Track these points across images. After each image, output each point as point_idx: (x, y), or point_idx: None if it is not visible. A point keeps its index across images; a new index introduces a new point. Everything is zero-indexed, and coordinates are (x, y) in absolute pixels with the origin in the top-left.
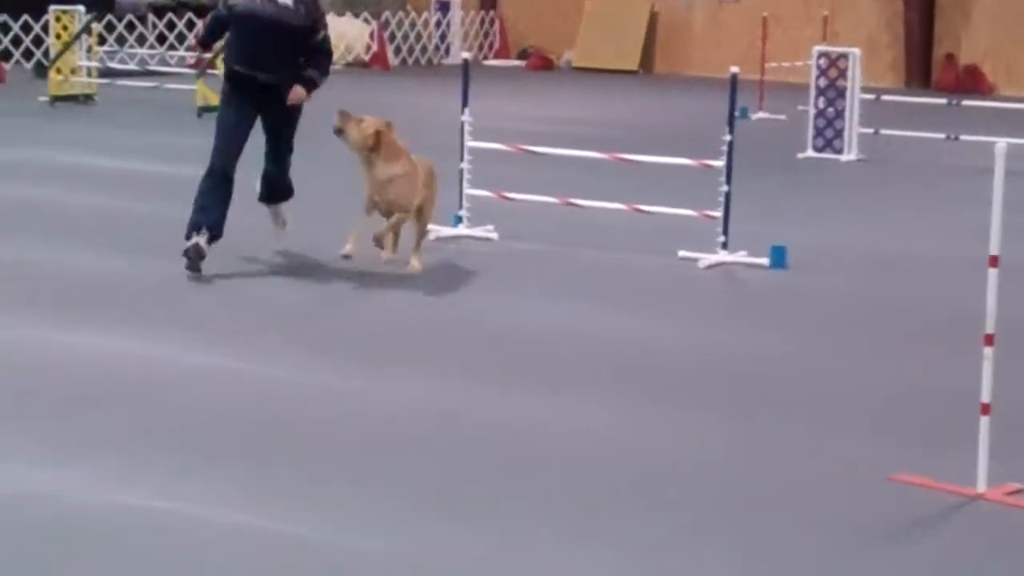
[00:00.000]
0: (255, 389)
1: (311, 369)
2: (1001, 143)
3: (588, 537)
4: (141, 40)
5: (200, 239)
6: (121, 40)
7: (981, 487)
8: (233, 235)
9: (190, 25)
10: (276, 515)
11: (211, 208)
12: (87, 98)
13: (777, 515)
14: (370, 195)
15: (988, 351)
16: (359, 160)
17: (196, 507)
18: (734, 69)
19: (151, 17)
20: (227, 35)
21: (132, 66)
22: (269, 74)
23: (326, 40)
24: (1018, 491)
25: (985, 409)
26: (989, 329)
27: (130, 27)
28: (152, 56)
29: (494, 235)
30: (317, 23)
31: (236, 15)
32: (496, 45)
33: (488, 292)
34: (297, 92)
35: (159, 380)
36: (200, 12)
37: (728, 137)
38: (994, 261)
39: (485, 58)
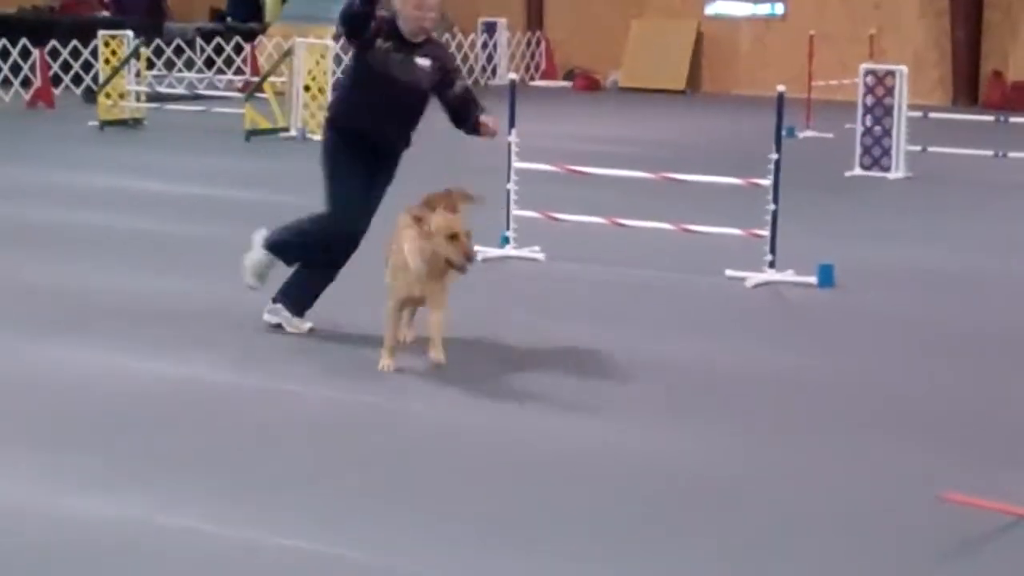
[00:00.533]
0: (299, 412)
1: (355, 392)
2: None
3: (632, 557)
4: (189, 64)
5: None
6: (169, 64)
7: None
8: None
9: (238, 49)
10: (328, 539)
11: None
12: (136, 122)
13: (825, 535)
14: (411, 290)
15: None
16: (426, 257)
17: (247, 531)
18: (781, 88)
19: (199, 41)
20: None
21: (181, 90)
22: (388, 140)
23: (468, 89)
24: None
25: None
26: None
27: (178, 51)
28: (200, 80)
29: (541, 256)
30: (451, 75)
31: (370, 73)
32: (543, 66)
33: (535, 312)
34: (494, 124)
35: (204, 402)
36: (248, 36)
37: (775, 156)
38: None
39: (532, 79)
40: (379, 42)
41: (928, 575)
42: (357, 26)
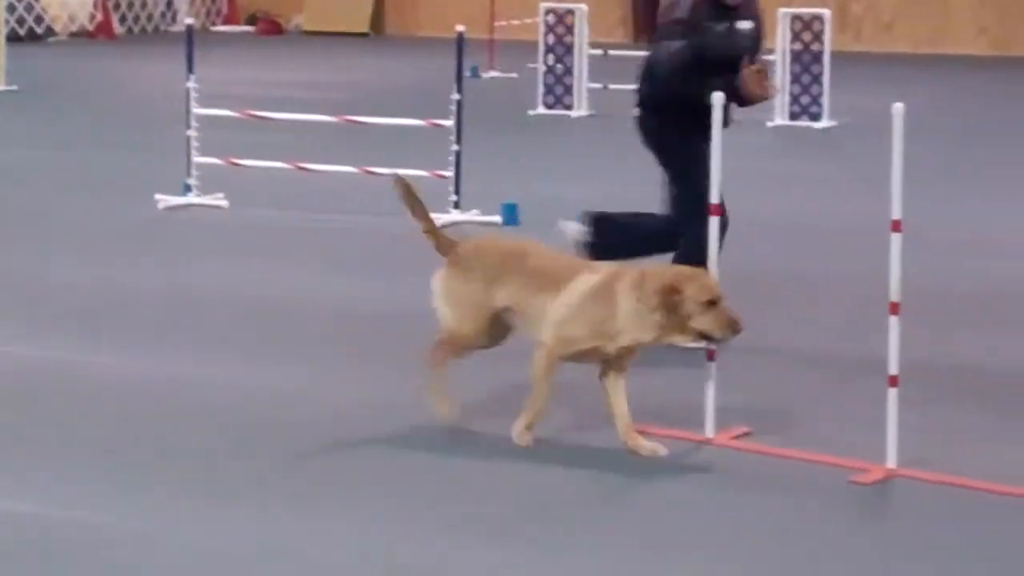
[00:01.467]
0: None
1: (41, 345)
2: (718, 95)
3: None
4: None
5: None
6: None
7: (710, 432)
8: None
9: None
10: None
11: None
12: None
13: (513, 464)
14: (603, 350)
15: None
16: (664, 335)
17: None
18: (460, 28)
19: None
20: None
21: None
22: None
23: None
24: (744, 434)
25: (710, 355)
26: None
27: None
28: None
29: (224, 203)
30: (761, 38)
31: (722, 41)
32: (224, 11)
33: (217, 259)
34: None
35: None
36: None
37: (456, 96)
38: (715, 210)
39: (213, 24)
40: (708, 26)
41: (617, 498)
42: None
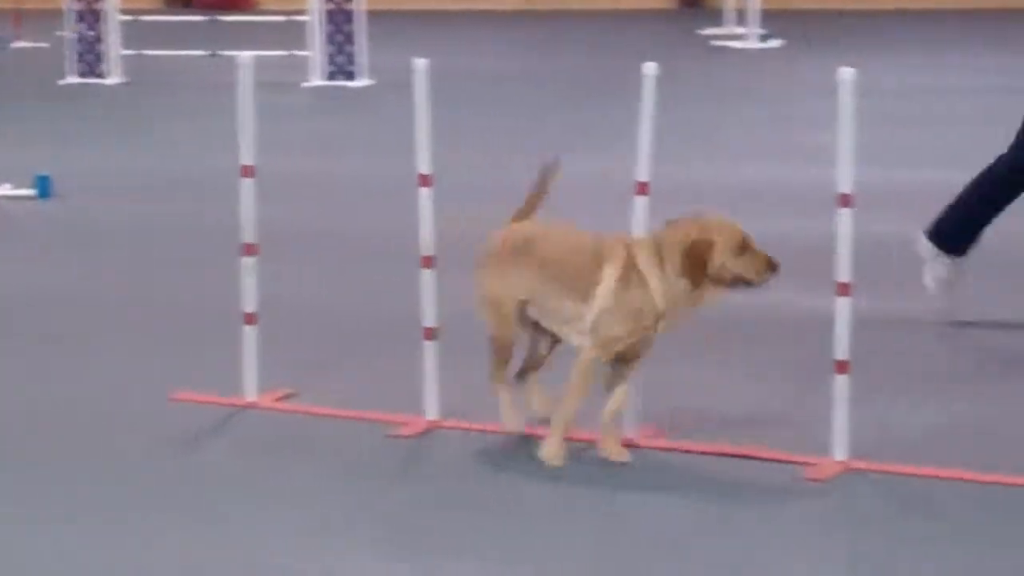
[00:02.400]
0: None
1: None
2: (246, 55)
3: None
4: None
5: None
6: None
7: (252, 396)
8: None
9: None
10: None
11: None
12: None
13: (59, 441)
14: (644, 341)
15: (248, 261)
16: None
17: None
18: None
19: None
20: None
21: None
22: None
23: None
24: (288, 395)
25: (249, 319)
26: (249, 239)
27: None
28: None
29: None
30: None
31: None
32: None
33: None
34: None
35: None
36: None
37: None
38: (247, 171)
39: None
40: None
41: (158, 468)
42: None
